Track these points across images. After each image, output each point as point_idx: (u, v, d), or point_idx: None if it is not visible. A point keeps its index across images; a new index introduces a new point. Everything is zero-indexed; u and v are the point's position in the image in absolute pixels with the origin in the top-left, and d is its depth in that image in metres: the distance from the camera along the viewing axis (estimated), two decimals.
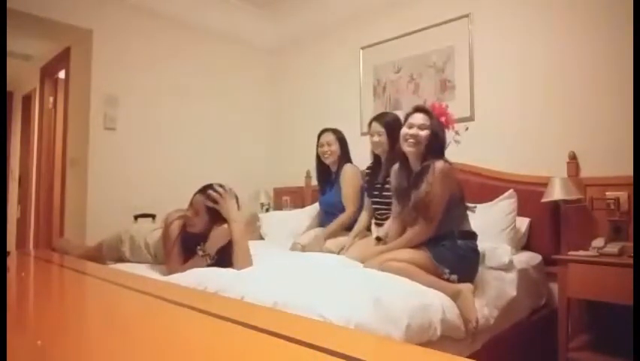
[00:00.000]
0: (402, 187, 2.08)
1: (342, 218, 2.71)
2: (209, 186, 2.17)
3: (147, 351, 0.63)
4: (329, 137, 2.89)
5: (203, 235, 2.11)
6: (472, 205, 2.13)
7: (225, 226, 2.07)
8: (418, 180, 1.95)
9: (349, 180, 2.75)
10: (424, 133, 1.97)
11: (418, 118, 2.01)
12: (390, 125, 2.50)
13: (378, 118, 2.62)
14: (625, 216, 2.33)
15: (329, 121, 3.91)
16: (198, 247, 2.05)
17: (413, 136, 1.98)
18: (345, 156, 2.89)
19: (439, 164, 1.91)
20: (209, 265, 2.02)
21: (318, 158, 2.95)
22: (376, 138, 2.56)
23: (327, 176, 2.95)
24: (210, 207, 2.09)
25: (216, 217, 2.10)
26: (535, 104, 2.76)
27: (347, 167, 2.80)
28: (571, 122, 2.61)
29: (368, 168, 2.73)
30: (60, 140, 3.75)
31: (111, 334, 0.73)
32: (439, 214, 1.90)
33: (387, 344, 0.89)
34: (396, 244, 1.99)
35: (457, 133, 2.16)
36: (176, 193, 3.18)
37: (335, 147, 2.86)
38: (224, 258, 2.06)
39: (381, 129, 2.53)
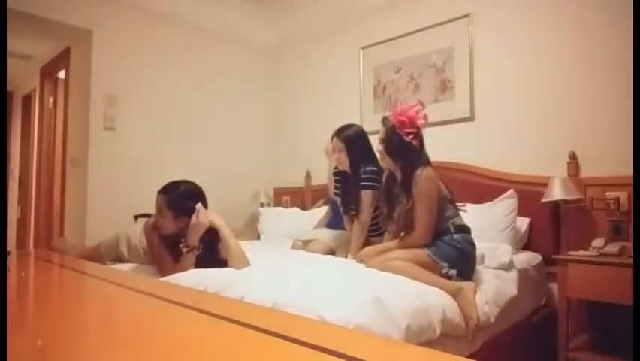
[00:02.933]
0: (388, 194, 2.15)
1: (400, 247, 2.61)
2: (172, 184, 2.10)
3: (147, 351, 0.63)
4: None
5: (174, 236, 2.04)
6: (462, 204, 2.14)
7: (197, 217, 1.97)
8: (402, 189, 2.03)
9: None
10: (381, 146, 2.10)
11: (381, 132, 2.13)
12: (351, 139, 2.45)
13: (338, 133, 2.50)
14: (625, 216, 2.33)
15: (329, 121, 3.91)
16: (181, 245, 2.00)
17: (379, 152, 2.13)
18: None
19: (418, 172, 1.96)
20: (198, 257, 1.99)
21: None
22: (336, 155, 2.47)
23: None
24: (172, 206, 2.02)
25: (179, 213, 2.02)
26: (535, 104, 2.76)
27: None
28: (571, 122, 2.61)
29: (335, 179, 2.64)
30: (60, 140, 3.75)
31: (111, 334, 0.73)
32: (433, 220, 1.95)
33: (387, 344, 0.89)
34: (394, 245, 2.01)
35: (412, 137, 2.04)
36: None
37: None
38: (210, 249, 2.03)
39: (341, 145, 2.45)
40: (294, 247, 2.75)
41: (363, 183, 2.39)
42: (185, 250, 1.99)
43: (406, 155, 2.03)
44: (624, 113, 2.38)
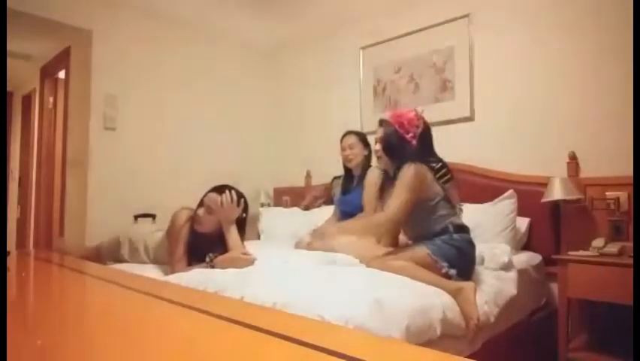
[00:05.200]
0: (382, 195, 2.19)
1: (360, 220, 2.67)
2: (224, 186, 2.18)
3: (147, 351, 0.63)
4: (351, 139, 2.81)
5: (211, 235, 2.11)
6: (459, 204, 2.15)
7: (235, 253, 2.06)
8: (391, 185, 2.05)
9: (371, 185, 2.65)
10: (379, 146, 2.12)
11: (378, 132, 2.16)
12: None
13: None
14: (625, 216, 2.33)
15: (329, 121, 3.93)
16: (208, 258, 2.05)
17: (376, 151, 2.17)
18: (370, 158, 2.75)
19: (405, 167, 1.97)
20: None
21: (343, 162, 2.88)
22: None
23: (351, 178, 2.88)
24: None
25: None
26: (535, 104, 2.77)
27: (370, 170, 2.73)
28: (571, 122, 2.62)
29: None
30: (60, 140, 3.75)
31: (111, 334, 0.73)
32: (403, 204, 1.94)
33: (387, 344, 0.89)
34: (350, 226, 2.10)
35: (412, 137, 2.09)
36: (176, 193, 3.19)
37: (357, 150, 2.78)
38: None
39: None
40: (298, 245, 2.71)
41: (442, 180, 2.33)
42: (205, 265, 2.04)
43: (404, 155, 2.04)
44: (624, 113, 2.38)
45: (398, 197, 1.94)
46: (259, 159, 4.31)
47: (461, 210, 2.11)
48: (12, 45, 3.77)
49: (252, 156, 4.25)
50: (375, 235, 1.96)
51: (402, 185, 1.95)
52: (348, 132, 2.92)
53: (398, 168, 2.04)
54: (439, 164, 2.34)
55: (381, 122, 2.16)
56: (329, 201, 3.41)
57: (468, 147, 2.99)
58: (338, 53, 3.90)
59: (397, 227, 2.11)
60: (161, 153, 3.58)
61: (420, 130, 2.07)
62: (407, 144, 2.04)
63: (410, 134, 2.03)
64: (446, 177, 2.31)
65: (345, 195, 2.90)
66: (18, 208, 4.83)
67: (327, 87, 3.98)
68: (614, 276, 2.00)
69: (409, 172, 1.95)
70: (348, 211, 2.79)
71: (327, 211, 3.21)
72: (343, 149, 2.85)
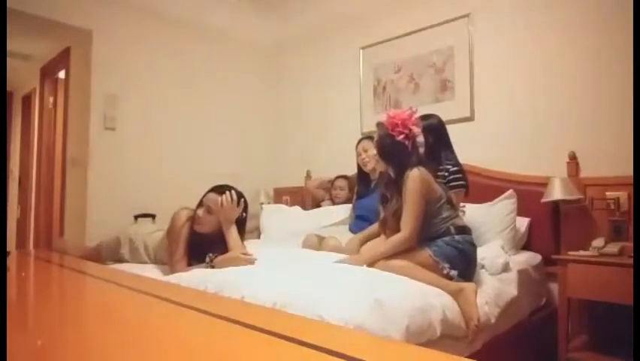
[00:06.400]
0: (384, 195, 2.16)
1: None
2: (224, 187, 2.18)
3: (147, 351, 0.63)
4: (365, 144, 2.76)
5: (211, 235, 2.11)
6: (461, 205, 2.13)
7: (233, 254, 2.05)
8: (393, 189, 2.04)
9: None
10: (376, 148, 2.12)
11: (375, 136, 2.14)
12: (428, 127, 2.32)
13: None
14: (625, 216, 2.33)
15: (329, 121, 3.93)
16: (208, 258, 2.05)
17: (373, 155, 2.19)
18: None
19: (408, 172, 1.94)
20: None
21: (359, 167, 2.85)
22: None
23: (367, 182, 2.84)
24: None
25: None
26: (535, 104, 2.77)
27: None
28: (571, 122, 2.62)
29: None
30: (60, 140, 3.75)
31: (111, 334, 0.73)
32: (419, 221, 1.91)
33: (387, 344, 0.89)
34: (384, 251, 1.97)
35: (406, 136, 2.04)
36: (176, 193, 3.19)
37: (372, 152, 2.64)
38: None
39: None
40: (306, 241, 2.66)
41: (452, 184, 2.27)
42: (205, 265, 2.04)
43: (397, 155, 2.01)
44: (624, 113, 2.38)
45: (412, 213, 1.89)
46: (259, 159, 4.31)
47: (463, 211, 2.10)
48: (12, 45, 3.77)
49: (252, 156, 4.24)
50: (397, 253, 1.91)
51: (410, 197, 1.90)
52: (363, 138, 2.88)
53: (399, 172, 2.02)
54: (454, 168, 2.33)
55: (377, 126, 2.13)
56: (330, 201, 3.41)
57: (468, 147, 2.97)
58: (338, 52, 3.90)
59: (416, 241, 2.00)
60: (161, 153, 3.58)
61: (416, 130, 2.02)
62: (401, 146, 1.99)
63: (402, 136, 1.99)
64: (455, 183, 2.29)
65: (360, 200, 2.84)
66: (18, 208, 4.83)
67: (327, 87, 3.98)
68: (614, 276, 2.00)
69: (413, 181, 1.91)
70: (364, 216, 2.70)
71: (328, 211, 3.22)
72: (359, 154, 2.81)
